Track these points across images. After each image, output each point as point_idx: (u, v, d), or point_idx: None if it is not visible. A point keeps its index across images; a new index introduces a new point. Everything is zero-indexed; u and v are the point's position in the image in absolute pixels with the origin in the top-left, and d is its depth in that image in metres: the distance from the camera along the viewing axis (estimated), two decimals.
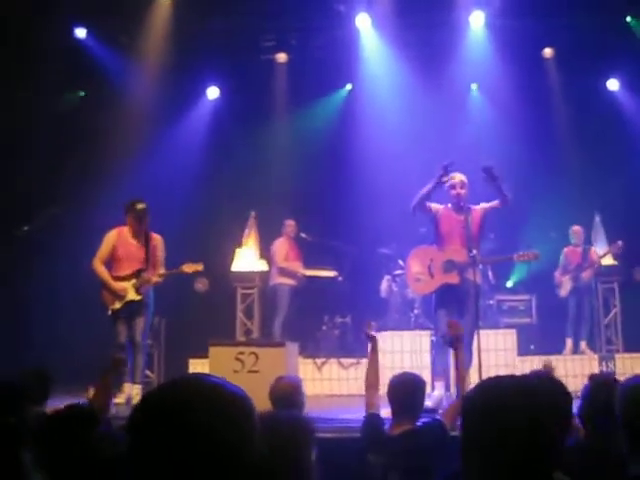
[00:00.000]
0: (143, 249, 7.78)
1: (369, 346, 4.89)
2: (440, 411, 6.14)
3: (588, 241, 10.82)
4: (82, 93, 12.18)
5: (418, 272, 7.27)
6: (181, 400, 1.29)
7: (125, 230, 7.87)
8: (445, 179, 6.98)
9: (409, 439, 3.97)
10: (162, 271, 7.86)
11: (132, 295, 7.66)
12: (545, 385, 1.83)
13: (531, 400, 1.74)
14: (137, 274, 7.69)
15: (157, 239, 7.94)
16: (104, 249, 7.81)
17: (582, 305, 10.47)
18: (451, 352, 7.07)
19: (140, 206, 7.77)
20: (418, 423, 4.18)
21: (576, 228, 10.67)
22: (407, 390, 4.17)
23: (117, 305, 7.67)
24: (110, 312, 7.69)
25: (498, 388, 1.79)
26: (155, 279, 7.73)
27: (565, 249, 10.69)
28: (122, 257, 7.77)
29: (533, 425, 1.70)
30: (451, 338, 4.77)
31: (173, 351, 10.88)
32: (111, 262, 7.82)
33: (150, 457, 1.24)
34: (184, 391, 1.32)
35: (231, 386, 1.37)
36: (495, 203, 7.17)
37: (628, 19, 11.50)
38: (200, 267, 7.85)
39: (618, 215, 10.99)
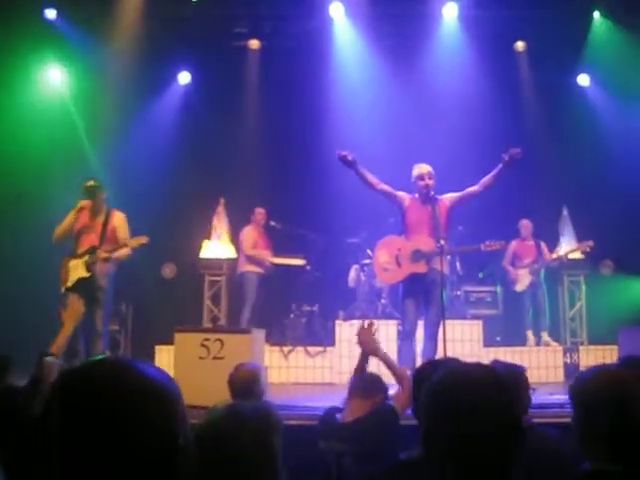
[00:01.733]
0: (100, 227, 7.72)
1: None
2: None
3: (550, 234, 10.92)
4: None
5: (386, 262, 7.29)
6: (98, 381, 1.26)
7: (85, 209, 7.83)
8: (348, 161, 7.14)
9: (361, 426, 4.03)
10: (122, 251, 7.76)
11: (82, 272, 7.57)
12: (510, 377, 1.83)
13: (503, 396, 1.74)
14: (91, 251, 7.61)
15: (119, 217, 7.87)
16: (64, 223, 7.80)
17: (537, 298, 10.57)
18: (415, 342, 7.14)
19: (89, 183, 7.74)
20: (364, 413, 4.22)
21: (525, 222, 10.79)
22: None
23: (69, 283, 7.58)
24: (63, 290, 7.59)
25: (467, 382, 1.77)
26: (103, 255, 7.58)
27: (513, 242, 10.75)
28: (80, 235, 7.74)
29: (505, 420, 1.71)
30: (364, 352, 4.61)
31: (140, 337, 10.84)
32: (72, 240, 7.78)
33: (62, 437, 1.21)
34: (102, 372, 1.29)
35: (155, 372, 1.33)
36: (473, 190, 7.20)
37: (596, 14, 11.62)
38: (144, 240, 7.62)
39: (586, 209, 11.08)
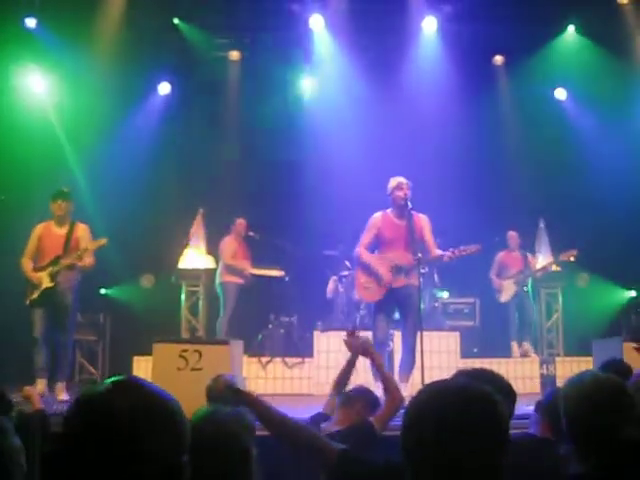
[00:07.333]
0: (64, 238, 7.83)
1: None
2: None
3: (526, 246, 11.00)
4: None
5: (366, 281, 7.31)
6: (121, 407, 1.29)
7: (51, 223, 7.97)
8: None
9: (342, 439, 3.98)
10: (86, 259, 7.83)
11: (46, 282, 7.66)
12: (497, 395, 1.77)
13: (496, 420, 1.70)
14: (54, 262, 7.72)
15: (82, 229, 7.98)
16: (30, 244, 7.95)
17: (525, 309, 10.64)
18: (387, 350, 7.17)
19: (63, 189, 8.00)
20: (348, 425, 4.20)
21: (512, 233, 10.87)
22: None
23: (34, 295, 7.68)
24: (28, 302, 7.70)
25: (457, 403, 1.70)
26: (67, 261, 7.68)
27: (500, 253, 10.86)
28: (46, 247, 7.84)
29: (495, 445, 1.68)
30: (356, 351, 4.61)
31: (117, 348, 10.78)
32: (37, 254, 7.89)
33: (81, 464, 1.25)
34: (124, 397, 1.32)
35: (167, 395, 1.37)
36: (433, 249, 7.26)
37: (571, 29, 11.81)
38: (103, 241, 7.75)
39: (562, 221, 11.18)
